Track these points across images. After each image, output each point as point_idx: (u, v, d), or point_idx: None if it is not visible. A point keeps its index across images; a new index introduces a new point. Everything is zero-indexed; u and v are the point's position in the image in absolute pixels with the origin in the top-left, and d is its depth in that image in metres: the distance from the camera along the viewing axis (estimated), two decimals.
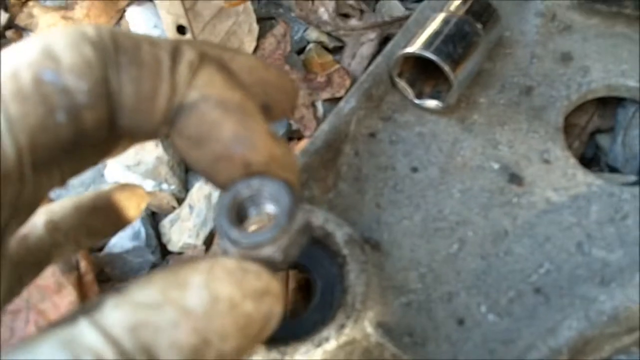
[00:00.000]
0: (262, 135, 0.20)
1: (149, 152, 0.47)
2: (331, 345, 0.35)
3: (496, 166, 0.43)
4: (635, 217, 0.40)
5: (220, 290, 0.18)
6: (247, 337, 0.18)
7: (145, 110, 0.20)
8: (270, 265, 0.20)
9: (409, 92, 0.44)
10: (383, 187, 0.43)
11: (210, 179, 0.21)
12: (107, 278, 0.47)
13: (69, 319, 0.17)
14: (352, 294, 0.36)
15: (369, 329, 0.36)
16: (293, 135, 0.50)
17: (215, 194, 0.46)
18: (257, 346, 0.19)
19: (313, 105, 0.50)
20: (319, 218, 0.38)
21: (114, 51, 0.19)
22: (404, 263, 0.40)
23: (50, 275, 0.43)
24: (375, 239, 0.41)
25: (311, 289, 0.39)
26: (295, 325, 0.37)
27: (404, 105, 0.45)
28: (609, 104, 0.48)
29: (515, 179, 0.42)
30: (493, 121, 0.44)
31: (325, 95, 0.50)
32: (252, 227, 0.21)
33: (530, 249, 0.40)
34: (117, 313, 0.17)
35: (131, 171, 0.47)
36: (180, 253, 0.47)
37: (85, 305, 0.17)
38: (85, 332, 0.16)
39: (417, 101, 0.45)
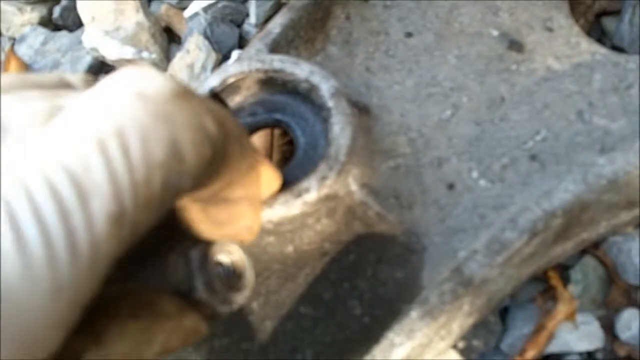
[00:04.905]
0: None
1: (129, 17, 0.44)
2: (311, 196, 0.33)
3: (495, 33, 0.40)
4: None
5: None
6: None
7: None
8: None
9: None
10: (374, 51, 0.40)
11: None
12: None
13: None
14: (335, 146, 0.34)
15: (353, 187, 0.34)
16: None
17: (198, 64, 0.44)
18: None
19: None
20: (304, 70, 0.36)
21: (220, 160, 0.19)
22: (393, 127, 0.38)
23: None
24: (363, 103, 0.39)
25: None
26: None
27: None
28: None
29: (515, 45, 0.40)
30: None
31: None
32: None
33: (527, 115, 0.38)
34: None
35: (110, 37, 0.44)
36: None
37: None
38: None
39: None
